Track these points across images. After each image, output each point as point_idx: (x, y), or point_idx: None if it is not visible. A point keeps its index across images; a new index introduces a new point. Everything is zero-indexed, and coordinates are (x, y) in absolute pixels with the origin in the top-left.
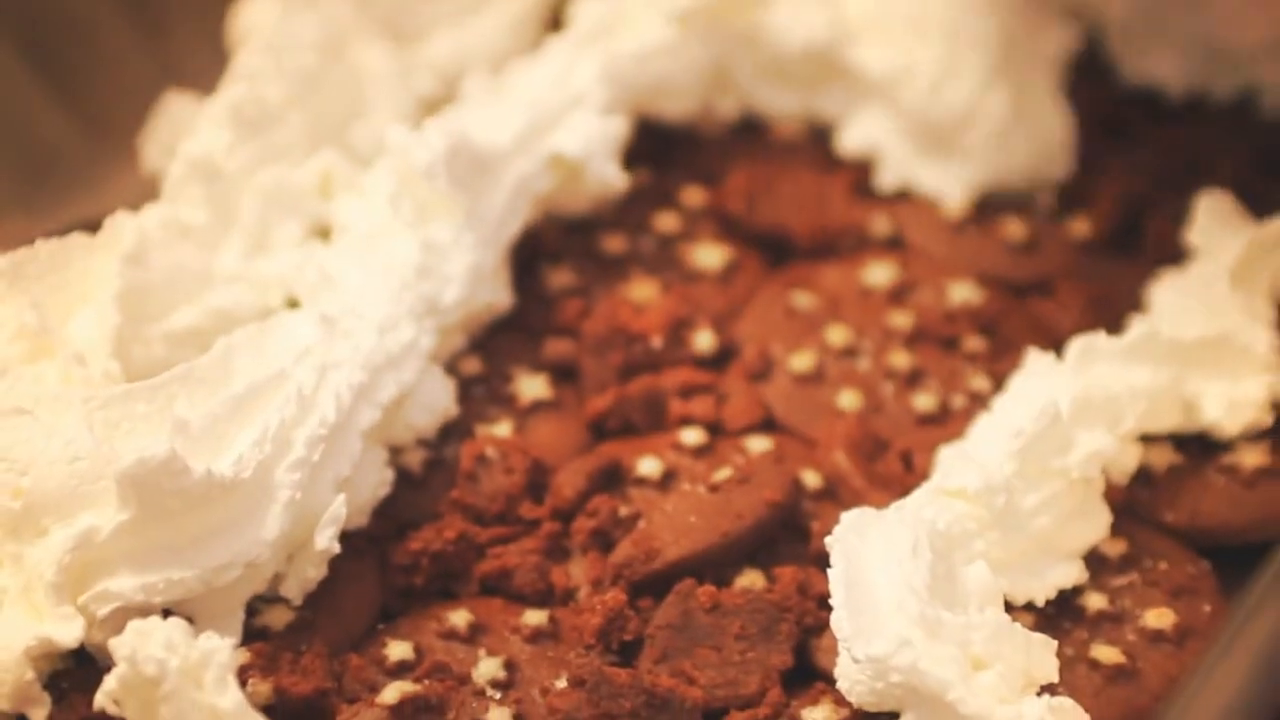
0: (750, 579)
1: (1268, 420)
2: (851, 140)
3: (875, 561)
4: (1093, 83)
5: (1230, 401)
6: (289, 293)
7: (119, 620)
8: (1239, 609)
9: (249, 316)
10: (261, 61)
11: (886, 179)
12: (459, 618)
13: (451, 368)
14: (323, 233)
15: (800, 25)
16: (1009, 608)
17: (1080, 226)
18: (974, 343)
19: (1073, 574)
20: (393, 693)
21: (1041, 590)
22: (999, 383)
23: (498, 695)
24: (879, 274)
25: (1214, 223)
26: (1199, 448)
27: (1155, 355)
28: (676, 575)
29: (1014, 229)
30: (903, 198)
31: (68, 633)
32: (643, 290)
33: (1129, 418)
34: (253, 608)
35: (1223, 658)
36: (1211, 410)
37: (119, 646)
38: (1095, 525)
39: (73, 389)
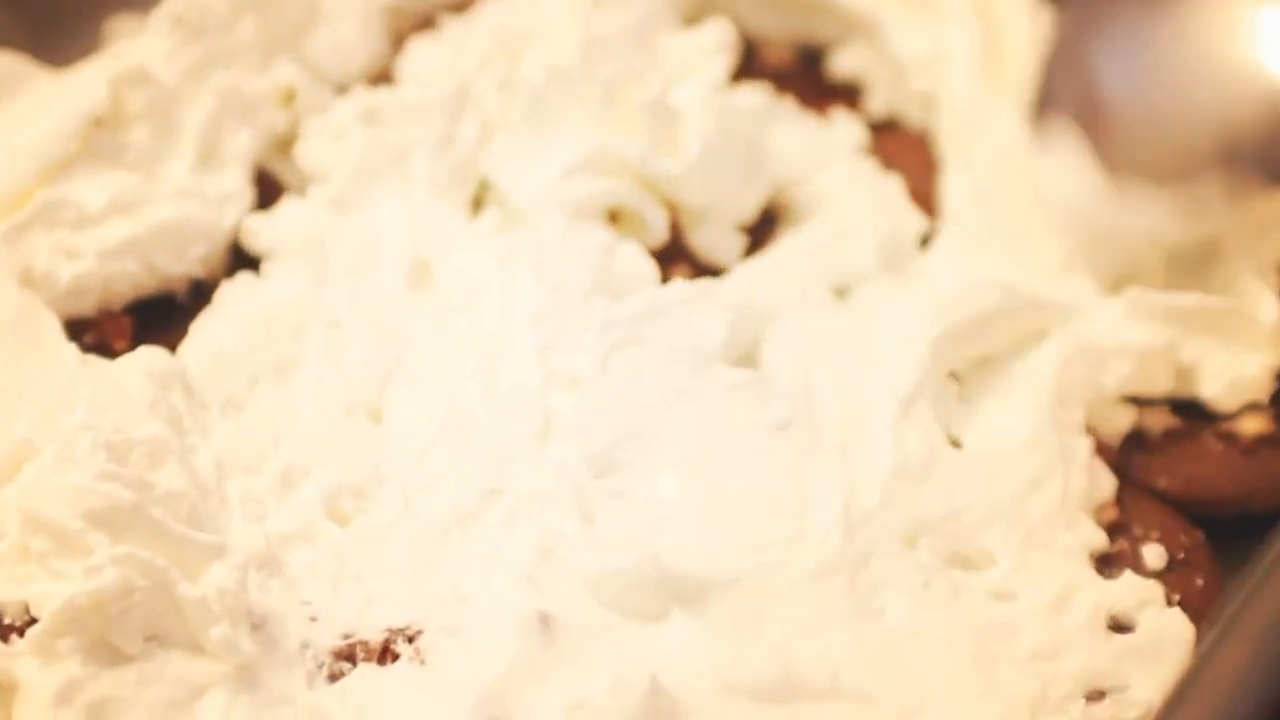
0: None
1: (1265, 396)
2: (841, 66)
3: None
4: None
5: (1231, 376)
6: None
7: None
8: (1237, 587)
9: (197, 231)
10: None
11: (876, 106)
12: None
13: None
14: (282, 144)
15: None
16: None
17: None
18: None
19: None
20: None
21: None
22: None
23: None
24: None
25: None
26: (1196, 411)
27: (1152, 317)
28: None
29: None
30: (892, 126)
31: None
32: None
33: (1121, 370)
34: None
35: (1222, 641)
36: (1210, 386)
37: None
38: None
39: None
